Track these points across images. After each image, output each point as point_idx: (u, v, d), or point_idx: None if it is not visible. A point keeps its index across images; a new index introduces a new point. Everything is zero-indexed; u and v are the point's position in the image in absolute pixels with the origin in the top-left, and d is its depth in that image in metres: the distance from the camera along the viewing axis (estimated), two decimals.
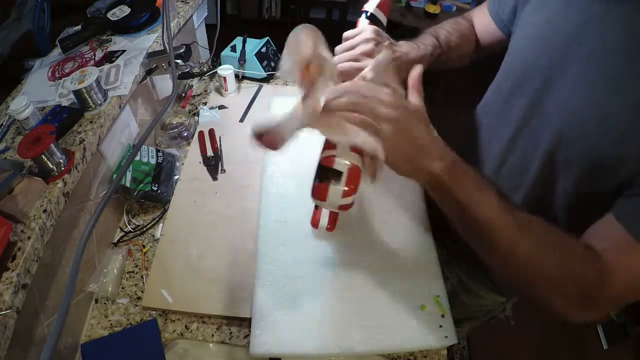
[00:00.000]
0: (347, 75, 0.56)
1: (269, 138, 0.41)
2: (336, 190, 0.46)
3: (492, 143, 0.66)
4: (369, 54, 0.55)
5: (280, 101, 1.01)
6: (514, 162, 0.61)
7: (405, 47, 0.60)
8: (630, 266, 0.42)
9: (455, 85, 2.59)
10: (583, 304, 0.44)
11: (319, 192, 0.47)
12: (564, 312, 0.45)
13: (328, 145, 0.49)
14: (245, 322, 0.67)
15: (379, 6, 0.63)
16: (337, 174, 0.46)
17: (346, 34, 0.59)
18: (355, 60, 0.55)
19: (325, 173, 0.46)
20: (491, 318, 0.92)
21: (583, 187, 0.51)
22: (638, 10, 0.43)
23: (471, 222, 0.44)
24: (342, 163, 0.46)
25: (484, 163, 0.68)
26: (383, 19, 0.64)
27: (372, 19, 0.62)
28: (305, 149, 0.88)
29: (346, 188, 0.46)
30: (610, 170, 0.46)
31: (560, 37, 0.50)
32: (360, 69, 0.55)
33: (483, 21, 0.71)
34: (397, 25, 2.58)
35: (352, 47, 0.56)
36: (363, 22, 0.62)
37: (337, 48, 0.58)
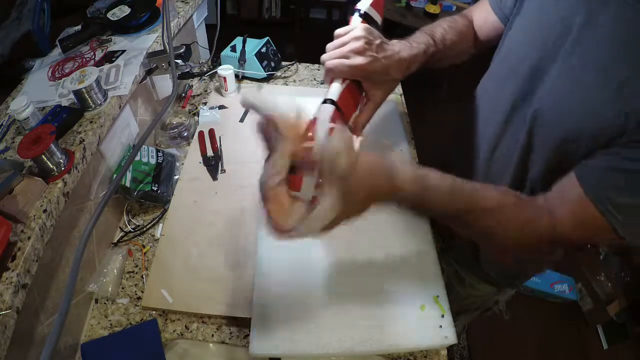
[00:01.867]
0: (335, 72, 0.56)
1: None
2: (309, 181, 0.45)
3: (485, 128, 0.68)
4: (359, 52, 0.55)
5: (280, 101, 1.01)
6: (503, 147, 0.63)
7: (397, 45, 0.60)
8: (575, 213, 0.47)
9: (459, 82, 2.59)
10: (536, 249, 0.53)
11: (293, 183, 0.47)
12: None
13: (306, 137, 0.49)
14: (245, 322, 0.67)
15: (372, 5, 0.62)
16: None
17: (337, 31, 0.59)
18: (345, 57, 0.55)
19: (301, 164, 0.46)
20: (485, 311, 0.93)
21: (563, 165, 0.53)
22: (626, 2, 0.45)
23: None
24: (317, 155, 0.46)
25: (479, 148, 0.70)
26: (377, 18, 0.63)
27: (366, 17, 0.61)
28: None
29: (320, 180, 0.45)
30: (588, 145, 0.48)
31: (551, 29, 0.52)
32: (351, 66, 0.55)
33: (483, 15, 0.71)
34: (397, 25, 2.58)
35: (343, 45, 0.56)
36: (355, 20, 0.61)
37: (328, 45, 0.58)
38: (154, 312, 0.68)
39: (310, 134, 0.48)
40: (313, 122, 0.50)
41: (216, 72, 1.06)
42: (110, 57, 0.81)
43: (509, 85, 0.60)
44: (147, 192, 0.79)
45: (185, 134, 0.96)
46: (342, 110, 0.54)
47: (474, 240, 0.60)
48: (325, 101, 0.53)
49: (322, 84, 1.17)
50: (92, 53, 0.83)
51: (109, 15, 0.86)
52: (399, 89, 1.17)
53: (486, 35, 0.72)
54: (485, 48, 0.74)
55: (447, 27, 0.69)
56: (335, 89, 0.55)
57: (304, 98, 1.03)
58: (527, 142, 0.56)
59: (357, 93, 0.60)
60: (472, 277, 0.82)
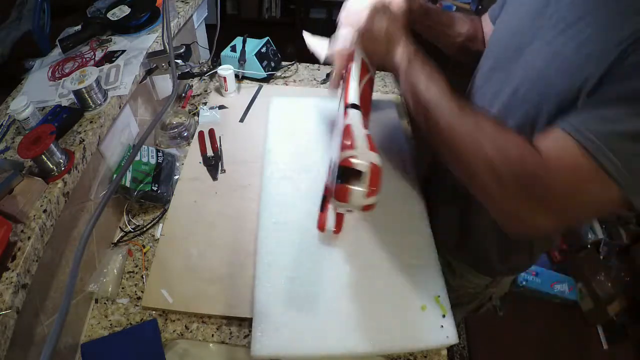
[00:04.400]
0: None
1: None
2: (358, 191, 0.45)
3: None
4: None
5: (281, 101, 1.01)
6: None
7: None
8: (569, 166, 0.41)
9: (458, 83, 2.58)
10: (525, 194, 0.43)
11: (341, 194, 0.46)
12: (507, 206, 0.45)
13: (345, 145, 0.48)
14: (245, 322, 0.67)
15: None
16: (358, 174, 0.45)
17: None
18: None
19: (346, 174, 0.46)
20: (479, 307, 0.92)
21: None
22: None
23: (419, 102, 0.52)
24: (363, 163, 0.45)
25: None
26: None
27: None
28: (304, 149, 0.88)
29: (371, 188, 0.45)
30: (564, 106, 0.47)
31: (528, 17, 0.55)
32: None
33: (486, 23, 0.76)
34: None
35: None
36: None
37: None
38: (154, 312, 0.68)
39: (348, 142, 0.47)
40: (347, 129, 0.49)
41: (216, 72, 1.06)
42: (110, 57, 0.81)
43: (493, 75, 0.62)
44: (147, 192, 0.79)
45: (185, 134, 0.96)
46: (361, 109, 0.54)
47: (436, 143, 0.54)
48: (350, 106, 0.53)
49: (322, 83, 1.17)
50: (92, 53, 0.83)
51: (109, 15, 0.86)
52: (399, 89, 1.18)
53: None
54: None
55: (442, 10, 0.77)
56: (354, 92, 0.55)
57: (304, 99, 1.04)
58: (507, 111, 0.57)
59: (369, 89, 0.60)
60: (463, 266, 0.82)
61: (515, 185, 0.43)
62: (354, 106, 0.53)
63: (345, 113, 0.53)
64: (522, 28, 0.56)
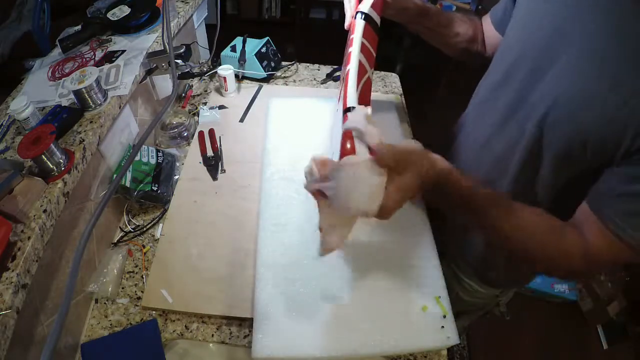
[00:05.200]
0: None
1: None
2: None
3: (475, 130, 0.68)
4: None
5: (280, 102, 1.01)
6: (498, 150, 0.63)
7: None
8: (611, 252, 0.49)
9: (459, 81, 2.59)
10: (573, 277, 0.53)
11: None
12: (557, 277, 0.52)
13: (345, 151, 0.47)
14: (245, 322, 0.67)
15: (372, 6, 0.63)
16: None
17: None
18: None
19: None
20: (485, 313, 0.93)
21: (566, 171, 0.54)
22: None
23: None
24: None
25: (467, 151, 0.71)
26: (377, 19, 0.64)
27: (367, 19, 0.62)
28: (304, 149, 0.88)
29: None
30: (592, 152, 0.48)
31: (544, 29, 0.53)
32: None
33: (486, 27, 0.75)
34: (397, 25, 2.58)
35: None
36: (359, 23, 0.61)
37: None
38: (154, 312, 0.68)
39: (349, 146, 0.47)
40: (346, 134, 0.49)
41: (216, 72, 1.06)
42: (110, 57, 0.81)
43: (504, 88, 0.61)
44: (147, 192, 0.79)
45: (185, 134, 0.96)
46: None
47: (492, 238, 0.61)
48: (349, 110, 0.53)
49: (322, 84, 1.17)
50: (92, 53, 0.83)
51: (109, 15, 0.86)
52: (399, 89, 1.18)
53: (493, 46, 0.74)
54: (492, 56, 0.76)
55: (442, 11, 0.75)
56: (352, 94, 0.55)
57: (303, 99, 1.04)
58: (529, 148, 0.56)
59: (367, 90, 0.60)
60: (473, 279, 0.82)
61: (565, 276, 0.53)
62: (354, 109, 0.53)
63: (345, 117, 0.52)
64: (534, 44, 0.54)
